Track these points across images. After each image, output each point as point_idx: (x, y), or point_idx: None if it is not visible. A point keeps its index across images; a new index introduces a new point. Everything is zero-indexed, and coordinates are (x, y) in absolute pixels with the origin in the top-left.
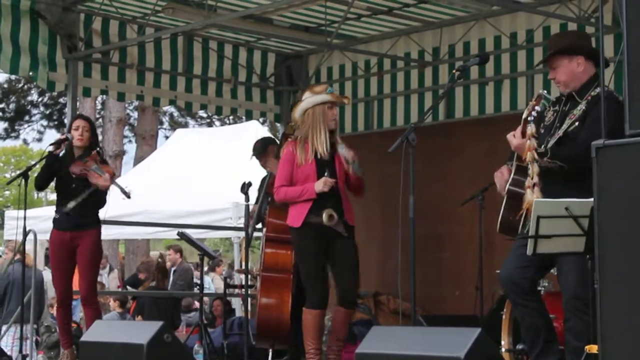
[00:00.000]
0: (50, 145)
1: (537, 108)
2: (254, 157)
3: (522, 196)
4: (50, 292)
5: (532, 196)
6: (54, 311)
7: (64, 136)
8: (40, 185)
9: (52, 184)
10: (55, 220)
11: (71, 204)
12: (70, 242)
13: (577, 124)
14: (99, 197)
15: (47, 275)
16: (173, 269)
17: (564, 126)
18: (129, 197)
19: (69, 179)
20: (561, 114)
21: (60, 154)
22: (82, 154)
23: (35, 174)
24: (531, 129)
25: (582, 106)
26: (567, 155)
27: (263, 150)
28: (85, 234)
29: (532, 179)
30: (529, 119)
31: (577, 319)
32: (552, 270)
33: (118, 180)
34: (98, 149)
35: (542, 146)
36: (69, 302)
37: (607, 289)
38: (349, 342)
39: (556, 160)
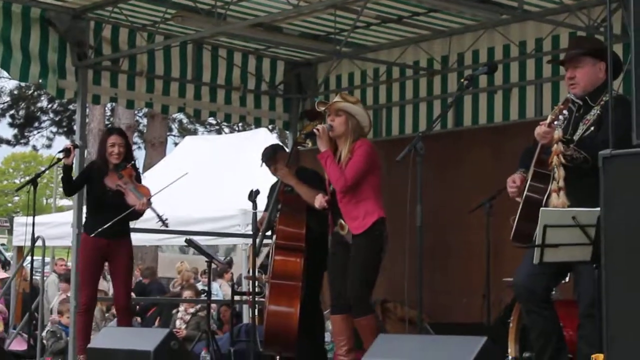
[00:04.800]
0: (59, 152)
1: (565, 112)
2: (264, 164)
3: (540, 202)
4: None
5: (558, 200)
6: (62, 318)
7: (71, 144)
8: (69, 195)
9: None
10: (87, 226)
11: (105, 226)
12: (104, 249)
13: (592, 128)
14: (134, 216)
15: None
16: None
17: (579, 131)
18: (166, 225)
19: (103, 191)
20: (574, 120)
21: (73, 163)
22: (116, 165)
23: (44, 180)
24: (558, 133)
25: (596, 110)
26: (590, 149)
27: (273, 156)
28: (120, 242)
29: (558, 182)
30: (555, 123)
31: (592, 326)
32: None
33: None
34: (133, 162)
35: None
36: (93, 308)
37: (612, 298)
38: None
39: (581, 150)
